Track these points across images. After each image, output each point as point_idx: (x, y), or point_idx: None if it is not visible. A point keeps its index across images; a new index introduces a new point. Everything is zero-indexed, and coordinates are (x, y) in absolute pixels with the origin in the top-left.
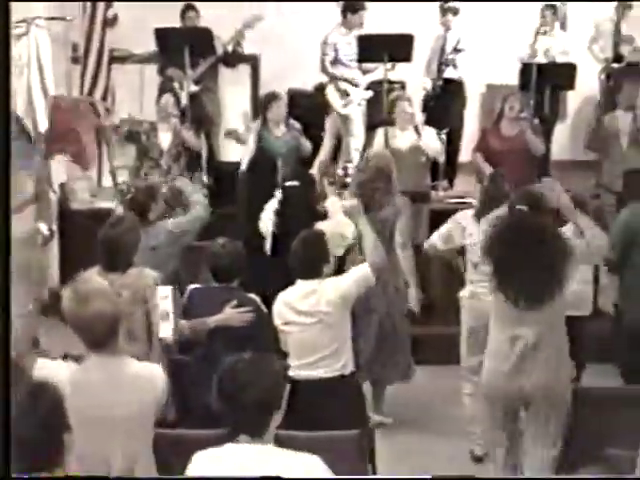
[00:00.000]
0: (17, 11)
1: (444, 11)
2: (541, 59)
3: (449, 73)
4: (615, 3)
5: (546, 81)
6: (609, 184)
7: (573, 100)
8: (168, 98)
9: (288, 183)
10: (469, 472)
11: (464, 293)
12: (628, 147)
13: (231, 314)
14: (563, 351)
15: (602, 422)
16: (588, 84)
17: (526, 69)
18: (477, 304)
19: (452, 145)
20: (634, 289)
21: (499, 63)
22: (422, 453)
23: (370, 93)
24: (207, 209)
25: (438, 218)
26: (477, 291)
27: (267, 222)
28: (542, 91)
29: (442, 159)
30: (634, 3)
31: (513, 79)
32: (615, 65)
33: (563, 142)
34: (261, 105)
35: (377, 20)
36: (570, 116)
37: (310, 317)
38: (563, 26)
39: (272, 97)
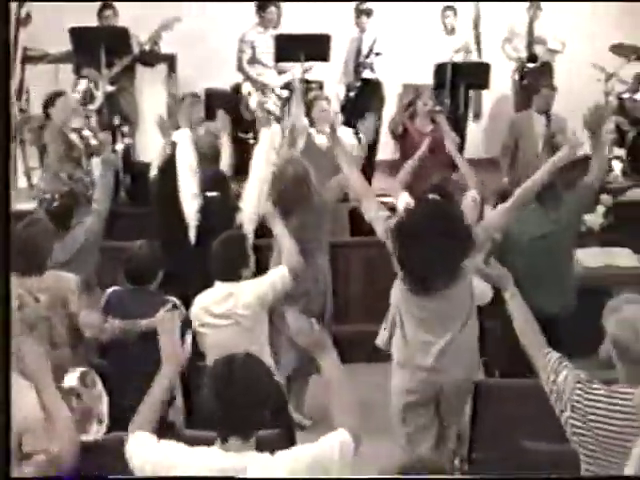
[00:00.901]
0: None
1: (358, 13)
2: (450, 58)
3: (367, 74)
4: (527, 4)
5: (461, 80)
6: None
7: (488, 99)
8: (74, 97)
9: (208, 194)
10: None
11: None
12: (542, 149)
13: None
14: (473, 344)
15: (504, 415)
16: (503, 83)
17: (441, 69)
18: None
19: (370, 144)
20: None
21: (415, 63)
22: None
23: (286, 92)
24: (104, 203)
25: (358, 216)
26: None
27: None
28: (457, 90)
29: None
30: (543, 4)
31: (429, 79)
32: (529, 65)
33: (478, 140)
34: (179, 105)
35: (296, 20)
36: (485, 115)
37: (226, 319)
38: (476, 26)
39: (191, 97)
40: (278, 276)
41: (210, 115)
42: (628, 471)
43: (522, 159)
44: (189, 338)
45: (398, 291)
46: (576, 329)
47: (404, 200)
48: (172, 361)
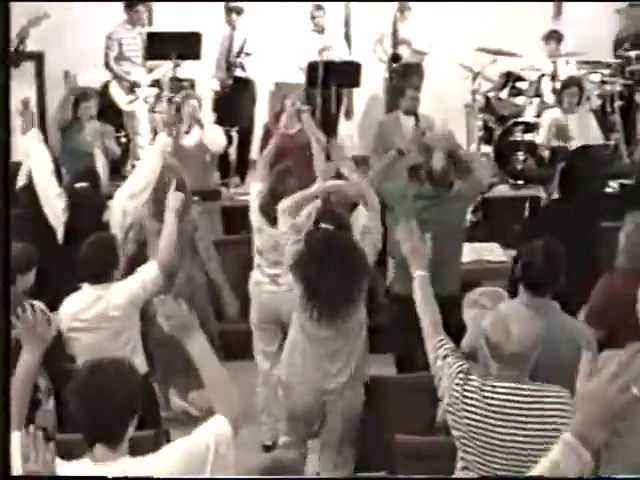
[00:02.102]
0: None
1: (228, 10)
2: (322, 58)
3: (238, 72)
4: (397, 4)
5: (332, 79)
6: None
7: (360, 98)
8: None
9: (77, 185)
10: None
11: (251, 281)
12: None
13: None
14: (363, 367)
15: (389, 410)
16: (376, 82)
17: (312, 67)
18: (262, 294)
19: (243, 142)
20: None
21: (287, 61)
22: None
23: (155, 90)
24: None
25: (231, 215)
26: (261, 279)
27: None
28: (329, 89)
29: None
30: (411, 4)
31: (301, 77)
32: (394, 65)
33: (350, 139)
34: (70, 103)
35: (167, 18)
36: (357, 113)
37: (97, 323)
38: (347, 25)
39: (82, 96)
40: (149, 274)
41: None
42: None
43: None
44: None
45: (297, 319)
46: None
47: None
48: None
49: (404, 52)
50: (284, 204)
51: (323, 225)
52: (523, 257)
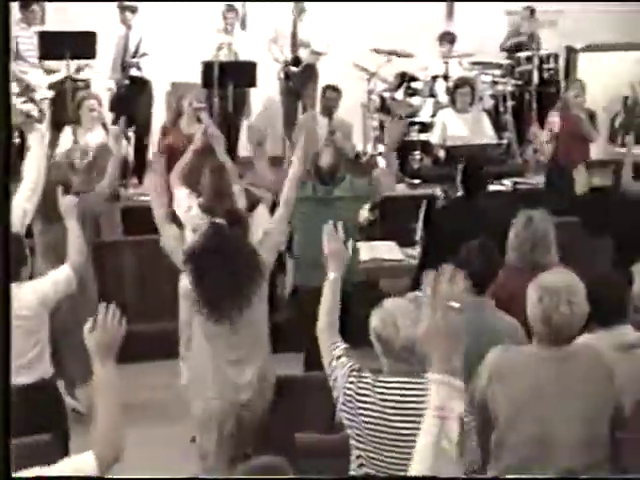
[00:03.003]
0: None
1: (122, 9)
2: (223, 57)
3: (134, 72)
4: (292, 4)
5: (228, 79)
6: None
7: (257, 98)
8: None
9: None
10: (187, 455)
11: (181, 282)
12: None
13: None
14: (268, 362)
15: (293, 408)
16: (272, 82)
17: (208, 67)
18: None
19: (140, 142)
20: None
21: (183, 61)
22: (143, 441)
23: (51, 92)
24: None
25: (130, 216)
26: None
27: None
28: (225, 89)
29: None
30: (307, 5)
31: (197, 77)
32: (294, 69)
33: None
34: None
35: (63, 16)
36: (254, 114)
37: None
38: (243, 25)
39: None
40: (61, 276)
41: None
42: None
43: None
44: None
45: (189, 316)
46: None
47: (180, 195)
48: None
49: (303, 54)
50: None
51: (217, 220)
52: (459, 257)
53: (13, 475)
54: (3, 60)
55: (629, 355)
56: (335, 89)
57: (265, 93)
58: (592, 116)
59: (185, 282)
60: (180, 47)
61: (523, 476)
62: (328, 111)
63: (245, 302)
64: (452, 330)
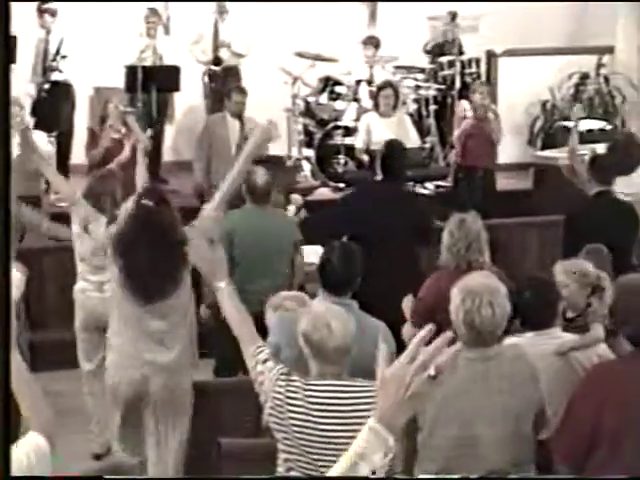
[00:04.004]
0: None
1: (41, 12)
2: (148, 61)
3: (56, 76)
4: (215, 6)
5: (152, 83)
6: (218, 184)
7: (181, 102)
8: None
9: None
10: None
11: (76, 288)
12: (235, 152)
13: None
14: (192, 349)
15: (215, 412)
16: (196, 86)
17: (131, 72)
18: (86, 301)
19: (63, 147)
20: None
21: (105, 66)
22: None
23: None
24: None
25: (56, 221)
26: (86, 287)
27: None
28: (149, 93)
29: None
30: (230, 6)
31: (120, 82)
32: (215, 68)
33: (171, 143)
34: None
35: None
36: (178, 117)
37: None
38: (166, 29)
39: None
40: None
41: None
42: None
43: (216, 162)
44: None
45: (117, 302)
46: None
47: None
48: None
49: (224, 55)
50: None
51: (144, 201)
52: (321, 258)
53: (13, 475)
54: (3, 60)
55: (564, 359)
56: (242, 90)
57: (190, 97)
58: (498, 119)
59: (80, 284)
60: (103, 51)
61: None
62: (238, 113)
63: (171, 281)
64: (416, 393)
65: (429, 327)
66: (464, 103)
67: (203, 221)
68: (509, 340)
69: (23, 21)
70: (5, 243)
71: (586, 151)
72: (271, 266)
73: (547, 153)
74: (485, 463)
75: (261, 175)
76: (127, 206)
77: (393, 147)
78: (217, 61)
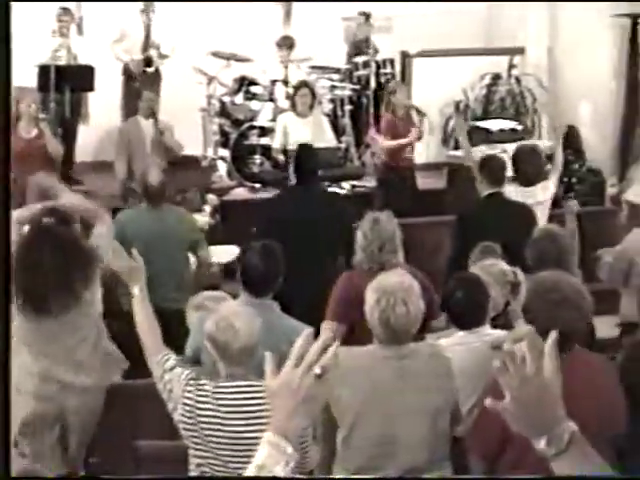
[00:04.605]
0: None
1: None
2: (62, 60)
3: None
4: (142, 5)
5: (65, 83)
6: (137, 185)
7: (96, 102)
8: None
9: None
10: None
11: None
12: (151, 152)
13: None
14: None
15: (129, 416)
16: (113, 85)
17: (44, 71)
18: None
19: None
20: None
21: (17, 64)
22: None
23: None
24: None
25: None
26: None
27: None
28: (62, 93)
29: None
30: (157, 7)
31: (32, 81)
32: (147, 69)
33: (86, 143)
34: None
35: None
36: (93, 117)
37: None
38: (79, 28)
39: None
40: None
41: None
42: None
43: (135, 163)
44: None
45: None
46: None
47: None
48: None
49: (153, 55)
50: None
51: (45, 219)
52: (241, 259)
53: (13, 475)
54: (3, 60)
55: (498, 354)
56: (153, 88)
57: (106, 96)
58: (420, 118)
59: None
60: (14, 49)
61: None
62: (150, 112)
63: (72, 298)
64: (307, 396)
65: (328, 335)
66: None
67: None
68: (439, 340)
69: None
70: (5, 240)
71: (498, 151)
72: (166, 264)
73: (460, 153)
74: (403, 461)
75: (154, 175)
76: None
77: (305, 150)
78: (148, 62)
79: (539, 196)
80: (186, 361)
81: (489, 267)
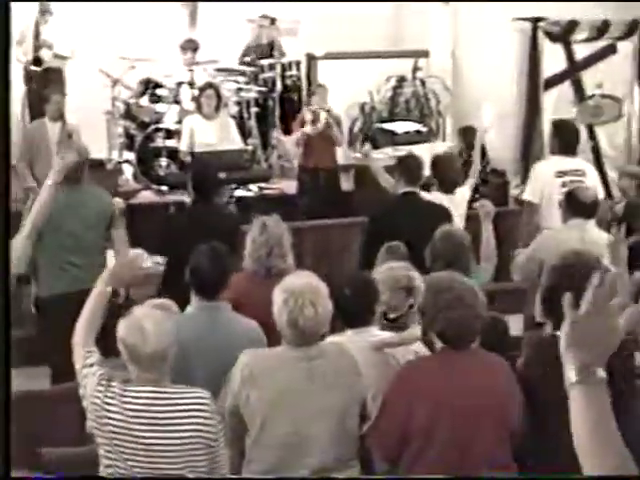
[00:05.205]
0: None
1: None
2: None
3: None
4: (37, 6)
5: None
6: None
7: None
8: None
9: None
10: None
11: None
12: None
13: None
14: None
15: (36, 422)
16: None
17: None
18: None
19: None
20: None
21: None
22: None
23: None
24: None
25: None
26: None
27: None
28: None
29: None
30: (52, 6)
31: None
32: (35, 68)
33: None
34: None
35: None
36: None
37: None
38: None
39: None
40: None
41: None
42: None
43: (38, 166)
44: None
45: None
46: None
47: None
48: None
49: (45, 56)
50: None
51: None
52: (190, 262)
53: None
54: (3, 60)
55: (380, 355)
56: (60, 91)
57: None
58: (338, 122)
59: None
60: None
61: None
62: (58, 115)
63: None
64: None
65: None
66: (311, 109)
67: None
68: (329, 338)
69: None
70: (5, 242)
71: (403, 152)
72: (83, 242)
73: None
74: (313, 461)
75: (70, 156)
76: None
77: (203, 165)
78: (37, 61)
79: (458, 200)
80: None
81: (382, 275)
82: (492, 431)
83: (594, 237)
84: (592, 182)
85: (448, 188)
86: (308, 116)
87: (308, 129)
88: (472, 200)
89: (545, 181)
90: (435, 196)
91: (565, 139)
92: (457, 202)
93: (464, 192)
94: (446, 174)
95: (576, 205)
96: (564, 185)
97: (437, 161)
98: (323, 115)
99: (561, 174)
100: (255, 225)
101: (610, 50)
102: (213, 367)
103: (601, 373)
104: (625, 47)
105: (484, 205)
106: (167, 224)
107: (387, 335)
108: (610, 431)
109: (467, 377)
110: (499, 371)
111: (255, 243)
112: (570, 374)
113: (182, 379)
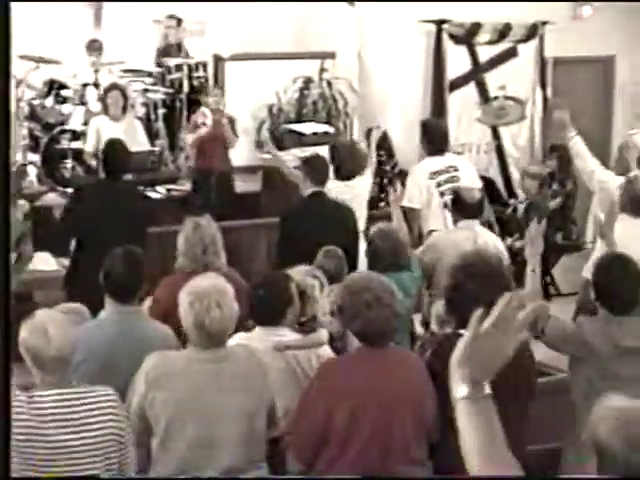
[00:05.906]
0: None
1: None
2: None
3: None
4: None
5: None
6: None
7: None
8: None
9: None
10: None
11: None
12: None
13: None
14: None
15: None
16: None
17: None
18: None
19: None
20: None
21: None
22: None
23: None
24: None
25: None
26: None
27: None
28: None
29: None
30: None
31: None
32: None
33: None
34: None
35: None
36: None
37: None
38: None
39: None
40: None
41: None
42: None
43: None
44: None
45: None
46: None
47: None
48: None
49: None
50: None
51: None
52: (104, 266)
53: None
54: (3, 60)
55: (284, 356)
56: None
57: None
58: (232, 122)
59: None
60: None
61: None
62: None
63: None
64: None
65: None
66: (205, 110)
67: None
68: (237, 336)
69: None
70: (5, 243)
71: (309, 154)
72: None
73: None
74: (220, 462)
75: None
76: None
77: (114, 146)
78: None
79: (358, 189)
80: None
81: (294, 274)
82: (411, 428)
83: (485, 237)
84: (467, 175)
85: (346, 175)
86: (200, 118)
87: (202, 131)
88: (379, 200)
89: (421, 185)
90: (331, 185)
91: (432, 139)
92: (354, 189)
93: (365, 179)
94: (344, 162)
95: (462, 206)
96: (439, 185)
97: (337, 148)
98: (210, 116)
99: (434, 175)
100: (187, 224)
101: (511, 53)
102: (127, 373)
103: (487, 389)
104: (527, 50)
105: (396, 190)
106: (77, 200)
107: (291, 337)
108: (496, 444)
109: (386, 374)
110: (414, 367)
111: (189, 242)
112: (460, 388)
113: (96, 384)
